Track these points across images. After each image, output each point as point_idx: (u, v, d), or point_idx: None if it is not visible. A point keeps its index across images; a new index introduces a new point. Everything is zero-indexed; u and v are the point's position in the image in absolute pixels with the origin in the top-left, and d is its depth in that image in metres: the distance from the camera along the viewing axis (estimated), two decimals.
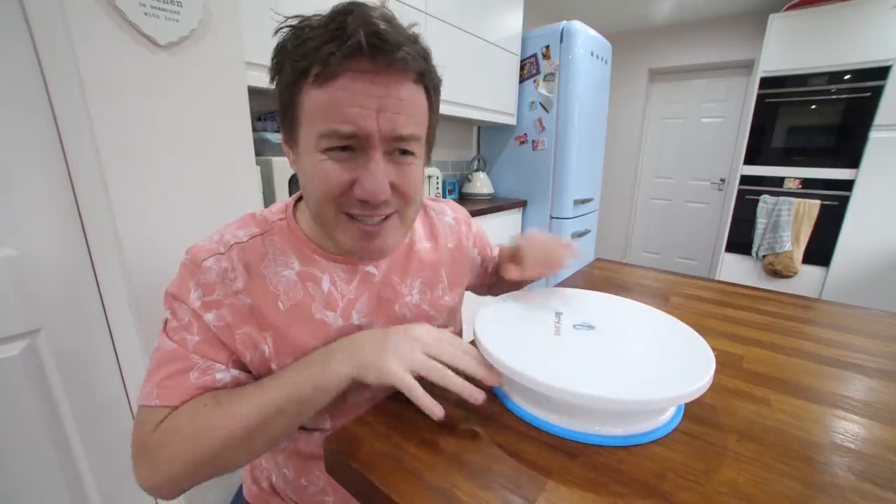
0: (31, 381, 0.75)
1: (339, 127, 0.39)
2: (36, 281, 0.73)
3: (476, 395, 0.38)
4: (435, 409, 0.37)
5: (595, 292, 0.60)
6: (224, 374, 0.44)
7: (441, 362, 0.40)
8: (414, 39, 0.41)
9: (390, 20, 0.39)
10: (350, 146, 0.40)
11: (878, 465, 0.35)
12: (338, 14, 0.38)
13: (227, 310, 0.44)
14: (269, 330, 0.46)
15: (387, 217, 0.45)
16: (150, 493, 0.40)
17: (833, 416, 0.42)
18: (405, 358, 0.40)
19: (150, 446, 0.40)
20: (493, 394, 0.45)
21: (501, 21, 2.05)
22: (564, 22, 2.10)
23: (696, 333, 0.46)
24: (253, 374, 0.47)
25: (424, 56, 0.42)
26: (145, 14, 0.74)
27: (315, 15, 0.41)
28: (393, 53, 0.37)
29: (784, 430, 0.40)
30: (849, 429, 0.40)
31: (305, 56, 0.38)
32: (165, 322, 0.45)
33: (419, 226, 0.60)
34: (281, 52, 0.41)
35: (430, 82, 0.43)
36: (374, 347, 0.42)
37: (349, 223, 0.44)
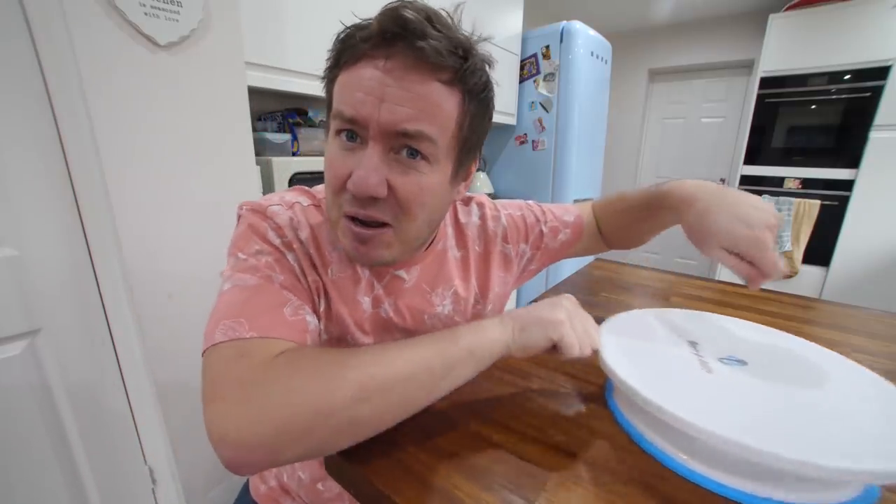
0: (31, 381, 0.75)
1: (342, 108, 0.38)
2: (36, 281, 0.73)
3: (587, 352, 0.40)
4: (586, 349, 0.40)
5: (710, 313, 0.54)
6: (311, 319, 0.41)
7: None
8: (458, 40, 0.37)
9: (431, 16, 0.36)
10: (355, 133, 0.38)
11: None
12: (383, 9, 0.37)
13: (299, 253, 0.43)
14: (325, 289, 0.45)
15: (381, 226, 0.41)
16: (240, 450, 0.29)
17: None
18: (565, 312, 0.42)
19: (257, 381, 0.31)
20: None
21: (501, 21, 2.05)
22: (564, 22, 2.10)
23: (876, 375, 0.39)
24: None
25: (463, 55, 0.37)
26: (145, 14, 0.74)
27: None
28: (412, 41, 0.34)
29: None
30: None
31: (340, 47, 0.39)
32: (232, 268, 0.40)
33: (450, 233, 0.57)
34: (331, 49, 0.41)
35: (468, 86, 0.39)
36: (528, 311, 0.42)
37: (346, 224, 0.41)
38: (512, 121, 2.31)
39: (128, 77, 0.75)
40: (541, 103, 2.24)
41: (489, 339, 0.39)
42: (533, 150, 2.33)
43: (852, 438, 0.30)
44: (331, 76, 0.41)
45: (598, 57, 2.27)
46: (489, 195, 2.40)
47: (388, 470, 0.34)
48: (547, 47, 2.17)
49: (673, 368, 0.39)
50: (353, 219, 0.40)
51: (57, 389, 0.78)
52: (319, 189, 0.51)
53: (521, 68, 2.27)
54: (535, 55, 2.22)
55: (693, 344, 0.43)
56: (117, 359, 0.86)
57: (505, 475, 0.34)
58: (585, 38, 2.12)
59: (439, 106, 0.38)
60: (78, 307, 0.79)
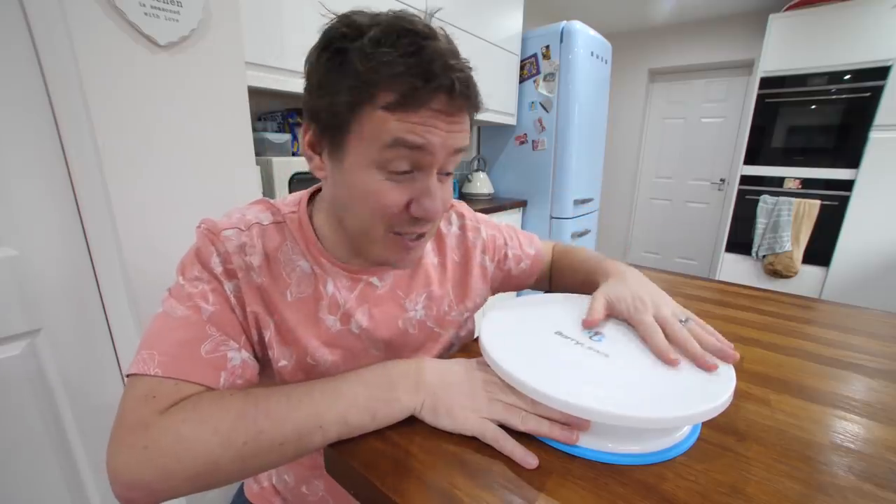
0: (31, 381, 0.75)
1: (408, 137, 0.37)
2: (36, 281, 0.73)
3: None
4: (529, 459, 0.34)
5: (571, 294, 0.58)
6: (235, 354, 0.41)
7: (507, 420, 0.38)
8: (470, 71, 0.40)
9: (459, 57, 0.39)
10: (409, 170, 0.40)
11: (878, 465, 0.35)
12: (406, 32, 0.36)
13: (243, 283, 0.43)
14: (274, 316, 0.45)
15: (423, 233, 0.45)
16: (121, 487, 0.32)
17: (833, 416, 0.42)
18: (482, 405, 0.38)
19: (152, 427, 0.33)
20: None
21: (501, 21, 2.05)
22: (564, 22, 2.10)
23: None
24: (257, 358, 0.46)
25: (476, 95, 0.42)
26: (145, 14, 0.74)
27: (360, 12, 0.38)
28: (469, 98, 0.39)
29: (784, 430, 0.40)
30: (849, 429, 0.40)
31: (379, 82, 0.36)
32: (171, 290, 0.42)
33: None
34: (336, 61, 0.37)
35: (475, 112, 0.44)
36: (446, 390, 0.39)
37: (395, 239, 0.44)
38: (512, 121, 2.31)
39: (128, 77, 0.75)
40: (541, 103, 2.24)
41: (398, 405, 0.38)
42: (533, 150, 2.33)
43: (677, 393, 0.36)
44: (357, 107, 0.37)
45: (598, 57, 2.27)
46: (489, 195, 2.41)
47: (388, 470, 0.34)
48: (547, 47, 2.17)
49: (544, 350, 0.43)
50: (400, 233, 0.43)
51: (57, 389, 0.78)
52: (287, 202, 0.50)
53: (521, 68, 2.27)
54: (535, 55, 2.22)
55: (561, 326, 0.48)
56: (117, 359, 0.86)
57: (505, 475, 0.34)
58: (585, 38, 2.12)
59: (468, 127, 0.43)
60: (78, 307, 0.79)
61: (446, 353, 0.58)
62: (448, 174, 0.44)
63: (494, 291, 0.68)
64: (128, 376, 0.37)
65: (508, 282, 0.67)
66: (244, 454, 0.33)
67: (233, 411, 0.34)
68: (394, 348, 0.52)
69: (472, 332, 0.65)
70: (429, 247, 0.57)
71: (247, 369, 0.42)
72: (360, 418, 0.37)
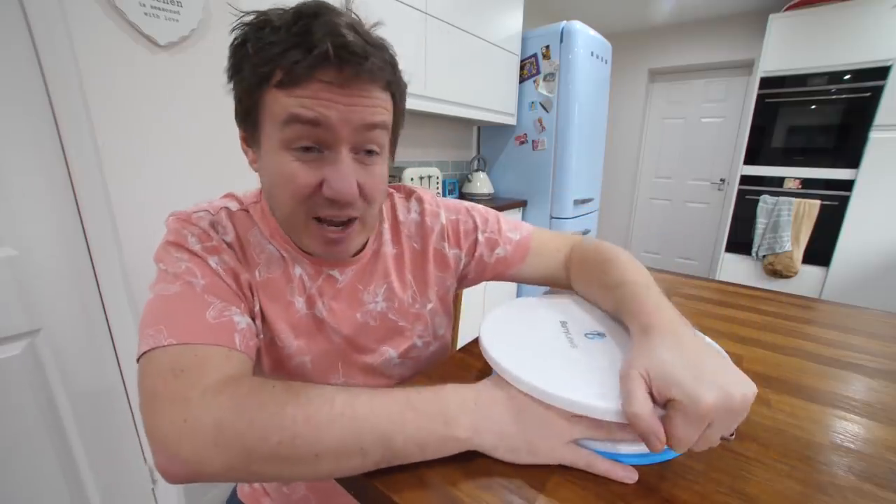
0: (31, 381, 0.75)
1: (301, 112, 0.37)
2: (36, 281, 0.73)
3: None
4: (630, 474, 0.33)
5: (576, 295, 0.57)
6: (240, 318, 0.40)
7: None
8: (380, 46, 0.40)
9: (357, 28, 0.39)
10: (317, 147, 0.40)
11: (878, 465, 0.35)
12: (302, 16, 0.37)
13: (226, 256, 0.43)
14: (254, 289, 0.45)
15: (350, 222, 0.44)
16: (164, 458, 0.31)
17: (833, 416, 0.42)
18: (564, 428, 0.34)
19: (193, 404, 0.32)
20: None
21: (501, 21, 2.05)
22: (564, 22, 2.10)
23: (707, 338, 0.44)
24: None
25: (392, 63, 0.42)
26: (145, 14, 0.74)
27: (275, 8, 0.39)
28: (360, 65, 0.37)
29: (784, 430, 0.40)
30: (849, 429, 0.40)
31: (268, 61, 0.37)
32: (155, 280, 0.41)
33: (386, 229, 0.55)
34: (240, 53, 0.39)
35: (396, 89, 0.44)
36: (519, 422, 0.35)
37: (316, 228, 0.43)
38: (512, 121, 2.31)
39: (128, 77, 0.75)
40: (541, 103, 2.24)
41: (452, 440, 0.33)
42: (533, 150, 2.33)
43: None
44: (258, 91, 0.39)
45: (598, 57, 2.27)
46: (489, 195, 2.41)
47: (388, 470, 0.34)
48: (547, 47, 2.17)
49: (543, 346, 0.43)
50: (322, 220, 0.43)
51: (57, 389, 0.79)
52: (249, 195, 0.51)
53: (521, 68, 2.27)
54: (535, 55, 2.22)
55: (563, 323, 0.48)
56: (117, 358, 0.86)
57: (505, 475, 0.34)
58: (585, 38, 2.12)
59: (386, 106, 0.42)
60: (78, 307, 0.80)
61: (412, 358, 0.56)
62: (370, 153, 0.42)
63: (471, 282, 0.63)
64: (140, 357, 0.35)
65: (483, 270, 0.60)
66: (279, 454, 0.31)
67: (271, 405, 0.32)
68: (354, 341, 0.51)
69: (447, 345, 0.62)
70: (388, 237, 0.55)
71: (251, 334, 0.41)
72: (405, 446, 0.32)
